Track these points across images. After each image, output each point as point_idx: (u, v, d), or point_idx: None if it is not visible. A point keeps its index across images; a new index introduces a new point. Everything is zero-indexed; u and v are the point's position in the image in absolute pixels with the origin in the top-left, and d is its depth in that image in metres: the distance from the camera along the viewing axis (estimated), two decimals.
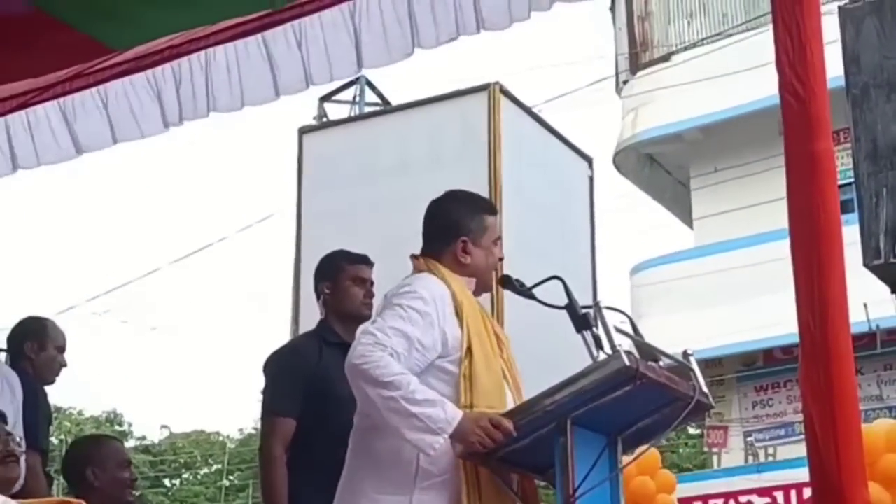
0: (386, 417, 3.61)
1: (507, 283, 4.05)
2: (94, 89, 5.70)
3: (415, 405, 3.57)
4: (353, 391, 3.71)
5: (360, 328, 4.16)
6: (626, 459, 3.91)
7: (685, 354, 3.86)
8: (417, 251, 4.10)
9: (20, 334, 5.59)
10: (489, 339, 3.89)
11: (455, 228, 4.05)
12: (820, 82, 3.63)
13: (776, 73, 3.70)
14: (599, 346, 3.61)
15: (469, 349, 3.78)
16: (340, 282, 4.95)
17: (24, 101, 5.76)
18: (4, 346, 5.65)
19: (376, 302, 4.63)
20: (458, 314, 3.82)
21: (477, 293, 4.05)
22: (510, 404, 3.79)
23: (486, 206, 4.21)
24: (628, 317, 3.88)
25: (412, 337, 3.69)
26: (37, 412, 5.35)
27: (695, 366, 3.84)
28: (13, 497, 3.60)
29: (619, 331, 3.66)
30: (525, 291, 4.00)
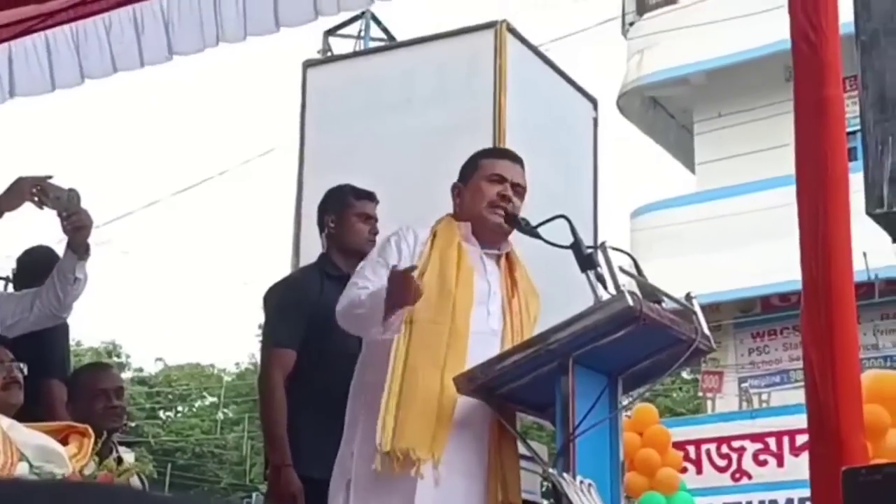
0: (363, 321, 3.87)
1: (512, 221, 4.05)
2: (97, 17, 5.63)
3: (362, 308, 3.88)
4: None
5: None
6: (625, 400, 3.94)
7: (688, 297, 3.86)
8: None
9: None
10: (456, 270, 3.97)
11: (457, 181, 4.17)
12: (832, 28, 3.60)
13: (788, 18, 3.66)
14: (604, 286, 3.61)
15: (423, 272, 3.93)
16: (346, 217, 4.93)
17: (28, 28, 5.70)
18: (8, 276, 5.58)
19: (380, 239, 4.64)
20: (432, 247, 4.00)
21: (484, 236, 4.07)
22: (494, 351, 3.84)
23: (485, 152, 4.29)
24: (632, 258, 3.87)
25: (379, 274, 3.94)
26: (67, 347, 5.35)
27: (697, 309, 3.84)
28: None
29: (623, 271, 3.66)
30: (530, 230, 3.99)
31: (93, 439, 3.05)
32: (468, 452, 3.82)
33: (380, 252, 4.09)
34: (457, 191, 4.16)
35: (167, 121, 63.91)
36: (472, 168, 4.16)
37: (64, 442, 2.99)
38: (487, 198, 4.06)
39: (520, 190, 4.12)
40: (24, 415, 4.09)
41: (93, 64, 5.69)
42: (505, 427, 3.86)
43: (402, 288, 3.69)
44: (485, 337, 3.91)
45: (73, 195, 4.38)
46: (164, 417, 39.85)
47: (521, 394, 3.72)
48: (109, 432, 4.65)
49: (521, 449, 3.98)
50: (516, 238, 4.16)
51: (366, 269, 4.02)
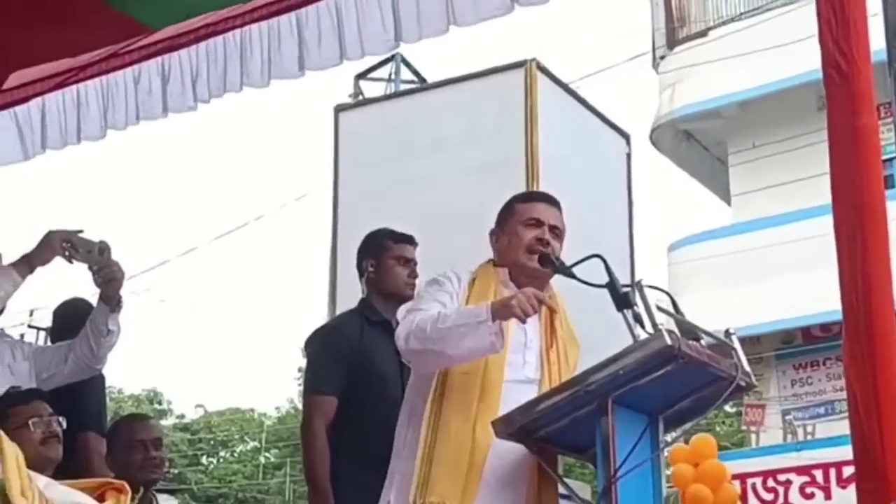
0: (444, 352, 3.73)
1: (546, 261, 4.00)
2: (127, 69, 5.67)
3: (451, 321, 3.72)
4: (414, 369, 3.96)
5: (400, 309, 4.19)
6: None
7: (727, 333, 3.80)
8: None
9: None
10: None
11: (494, 227, 4.14)
12: (864, 56, 3.57)
13: (819, 48, 3.63)
14: (641, 325, 3.57)
15: None
16: (384, 260, 4.89)
17: (61, 82, 5.74)
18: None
19: (419, 283, 4.62)
20: (469, 293, 3.95)
21: (522, 283, 3.98)
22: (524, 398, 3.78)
23: (521, 196, 4.26)
24: (669, 295, 3.82)
25: (442, 301, 3.88)
26: (103, 398, 5.34)
27: (737, 345, 3.78)
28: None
29: (660, 309, 3.62)
30: (565, 270, 3.94)
31: (129, 495, 3.04)
32: (503, 502, 3.78)
33: (430, 285, 4.04)
34: (494, 237, 4.11)
35: (202, 168, 64.39)
36: (507, 213, 4.11)
37: (101, 499, 2.97)
38: (525, 243, 4.01)
39: (558, 232, 4.06)
40: (60, 468, 4.08)
41: (119, 116, 5.73)
42: (545, 471, 3.81)
43: (537, 303, 3.70)
44: (520, 386, 3.86)
45: (103, 248, 4.40)
46: (206, 463, 39.87)
47: (560, 436, 3.67)
48: (147, 484, 4.63)
49: (562, 489, 3.94)
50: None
51: (425, 300, 3.96)
